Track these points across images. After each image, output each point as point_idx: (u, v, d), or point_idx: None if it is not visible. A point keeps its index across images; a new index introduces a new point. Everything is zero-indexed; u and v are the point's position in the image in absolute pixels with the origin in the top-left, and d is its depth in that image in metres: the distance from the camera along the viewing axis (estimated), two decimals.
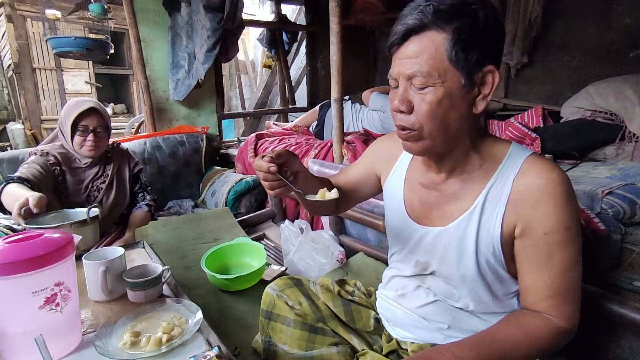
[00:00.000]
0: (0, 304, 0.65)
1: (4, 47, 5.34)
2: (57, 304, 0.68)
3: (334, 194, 0.71)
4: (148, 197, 1.72)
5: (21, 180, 1.30)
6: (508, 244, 0.68)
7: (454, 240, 0.71)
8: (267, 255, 1.65)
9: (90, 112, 1.47)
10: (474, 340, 0.65)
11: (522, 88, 2.76)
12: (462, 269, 0.71)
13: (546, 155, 1.69)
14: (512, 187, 0.66)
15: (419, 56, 0.61)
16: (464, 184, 0.71)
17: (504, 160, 0.68)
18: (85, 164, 1.55)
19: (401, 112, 0.65)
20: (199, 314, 0.79)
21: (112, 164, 1.62)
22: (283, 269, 1.45)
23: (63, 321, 0.70)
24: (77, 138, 1.47)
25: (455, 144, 0.68)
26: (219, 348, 0.67)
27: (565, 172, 0.68)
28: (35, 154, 1.48)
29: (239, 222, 1.84)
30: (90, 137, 1.48)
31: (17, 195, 1.17)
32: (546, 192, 0.63)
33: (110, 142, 1.64)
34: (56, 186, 1.47)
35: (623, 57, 2.26)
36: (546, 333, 0.63)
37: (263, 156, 0.68)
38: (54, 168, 1.47)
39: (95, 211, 1.24)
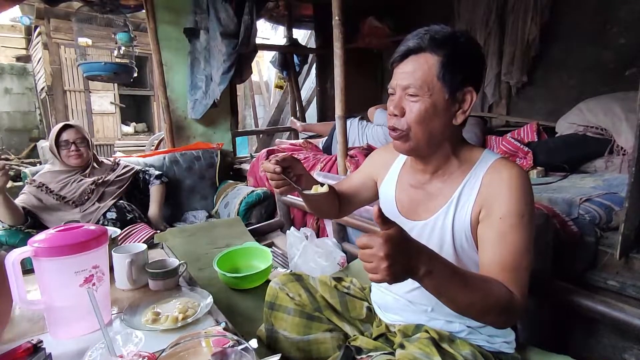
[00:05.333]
0: (49, 281, 0.79)
1: (39, 72, 5.79)
2: (94, 284, 0.82)
3: (325, 188, 0.84)
4: (155, 172, 2.09)
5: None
6: (476, 230, 0.79)
7: (435, 230, 0.83)
8: (275, 260, 1.76)
9: (65, 127, 1.87)
10: (453, 267, 0.67)
11: (524, 105, 2.85)
12: (443, 255, 0.81)
13: (538, 167, 1.78)
14: (481, 183, 0.78)
15: (415, 72, 0.76)
16: (444, 184, 0.84)
17: (477, 163, 0.81)
18: (73, 172, 1.91)
19: (395, 115, 0.79)
20: (210, 299, 0.91)
21: (114, 171, 2.03)
22: (287, 271, 1.56)
23: (98, 298, 0.82)
24: (63, 151, 1.87)
25: (437, 147, 0.82)
26: (225, 323, 0.78)
27: (525, 169, 0.78)
28: (29, 183, 1.88)
29: (249, 231, 1.97)
30: (72, 147, 1.86)
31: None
32: (505, 184, 0.75)
33: (113, 158, 2.16)
34: (45, 198, 1.86)
35: (619, 75, 2.34)
36: (504, 296, 0.68)
37: (270, 160, 0.84)
38: (39, 188, 1.85)
39: (116, 231, 1.28)
